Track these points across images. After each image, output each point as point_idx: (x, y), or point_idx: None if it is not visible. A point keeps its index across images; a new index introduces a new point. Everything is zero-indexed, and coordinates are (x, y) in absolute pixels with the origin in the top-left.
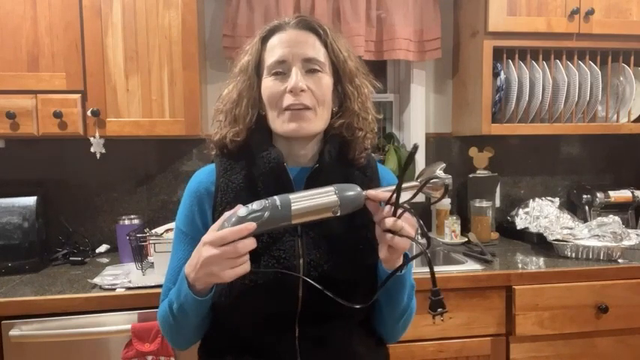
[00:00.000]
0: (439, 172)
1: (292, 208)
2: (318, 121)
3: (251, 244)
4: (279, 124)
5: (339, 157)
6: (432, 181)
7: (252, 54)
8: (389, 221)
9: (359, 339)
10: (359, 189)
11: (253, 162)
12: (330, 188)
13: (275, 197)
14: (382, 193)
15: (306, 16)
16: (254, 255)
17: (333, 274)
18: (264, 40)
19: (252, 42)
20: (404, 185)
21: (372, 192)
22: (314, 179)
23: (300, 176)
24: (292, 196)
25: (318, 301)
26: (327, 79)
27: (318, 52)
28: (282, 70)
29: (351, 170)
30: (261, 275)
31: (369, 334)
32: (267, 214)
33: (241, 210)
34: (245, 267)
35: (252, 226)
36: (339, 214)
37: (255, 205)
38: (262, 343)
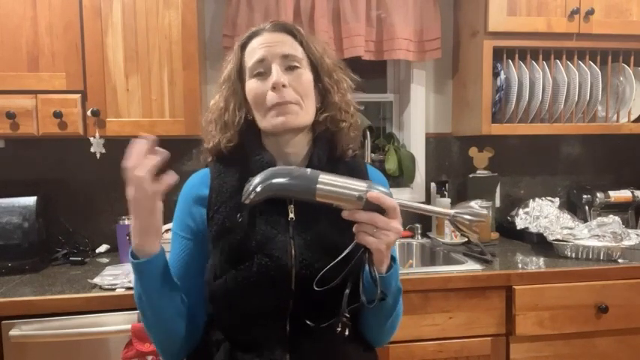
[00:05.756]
0: (475, 206)
1: (319, 180)
2: (304, 115)
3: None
4: (267, 120)
5: (328, 156)
6: (465, 215)
7: (234, 62)
8: (361, 215)
9: (350, 340)
10: (389, 191)
11: (247, 165)
12: (365, 183)
13: (307, 169)
14: (384, 197)
15: (281, 21)
16: (248, 254)
17: (324, 273)
18: (243, 47)
19: (232, 52)
20: (435, 209)
21: (374, 194)
22: None
23: None
24: (323, 175)
25: (310, 296)
26: (307, 74)
27: (296, 50)
28: (263, 70)
29: (338, 165)
30: (254, 271)
31: (360, 336)
32: (293, 175)
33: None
34: (140, 170)
35: (147, 139)
36: (361, 207)
37: (285, 167)
38: (254, 339)
